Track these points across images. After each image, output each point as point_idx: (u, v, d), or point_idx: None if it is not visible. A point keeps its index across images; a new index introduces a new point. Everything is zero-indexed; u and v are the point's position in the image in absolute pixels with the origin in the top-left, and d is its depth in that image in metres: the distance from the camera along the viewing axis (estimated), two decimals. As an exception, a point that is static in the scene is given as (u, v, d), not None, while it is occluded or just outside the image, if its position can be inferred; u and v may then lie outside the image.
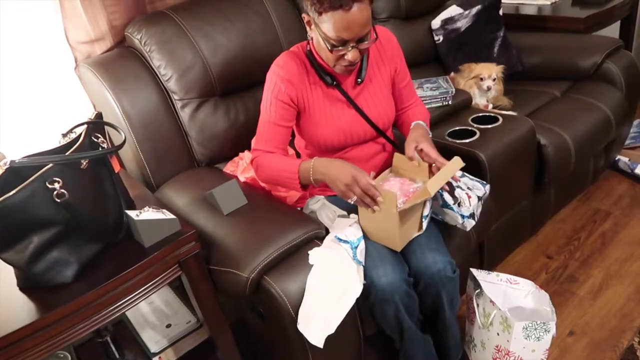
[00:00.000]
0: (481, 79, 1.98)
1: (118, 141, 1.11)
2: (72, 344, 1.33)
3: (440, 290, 1.30)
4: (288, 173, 1.28)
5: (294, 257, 1.19)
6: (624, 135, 2.34)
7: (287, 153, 1.40)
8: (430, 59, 2.30)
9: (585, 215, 2.18)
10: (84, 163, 1.02)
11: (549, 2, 2.69)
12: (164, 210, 1.14)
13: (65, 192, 0.95)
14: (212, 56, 1.58)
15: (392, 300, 1.22)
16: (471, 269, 1.50)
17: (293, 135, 1.49)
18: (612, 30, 2.68)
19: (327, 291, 1.15)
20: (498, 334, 1.38)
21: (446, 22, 2.24)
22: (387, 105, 1.42)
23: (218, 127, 1.61)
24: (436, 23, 2.25)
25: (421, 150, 1.27)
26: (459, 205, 1.33)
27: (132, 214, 1.09)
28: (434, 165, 1.26)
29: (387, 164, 1.42)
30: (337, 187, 1.20)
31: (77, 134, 1.09)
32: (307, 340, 1.14)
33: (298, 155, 1.55)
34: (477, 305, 1.45)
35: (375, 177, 1.27)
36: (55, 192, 0.94)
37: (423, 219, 1.31)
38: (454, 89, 1.86)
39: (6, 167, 0.94)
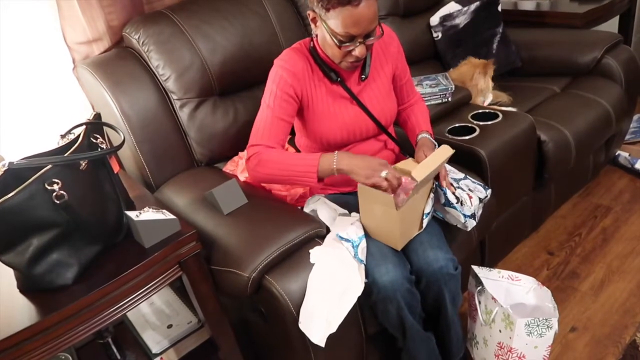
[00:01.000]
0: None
1: (117, 142, 1.10)
2: (73, 345, 1.32)
3: (442, 288, 1.30)
4: (304, 166, 1.24)
5: (295, 256, 1.19)
6: (624, 130, 2.33)
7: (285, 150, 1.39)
8: (429, 56, 2.30)
9: (586, 211, 2.17)
10: (83, 164, 1.02)
11: (547, -2, 2.68)
12: (164, 210, 1.14)
13: (65, 193, 0.95)
14: (211, 56, 1.57)
15: (394, 299, 1.22)
16: (472, 266, 1.49)
17: (292, 134, 1.49)
18: (611, 25, 2.67)
19: (328, 290, 1.15)
20: (500, 331, 1.37)
21: (445, 18, 2.24)
22: (389, 102, 1.42)
23: (217, 126, 1.61)
24: (435, 20, 2.24)
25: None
26: (461, 204, 1.33)
27: (132, 214, 1.09)
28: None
29: (391, 162, 1.42)
30: (366, 168, 1.20)
31: (76, 134, 1.08)
32: (309, 339, 1.14)
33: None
34: (479, 302, 1.45)
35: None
36: (54, 194, 0.94)
37: (424, 217, 1.30)
38: (453, 86, 1.86)
39: (5, 168, 0.93)
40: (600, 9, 2.43)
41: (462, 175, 1.46)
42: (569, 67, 2.19)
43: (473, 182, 1.44)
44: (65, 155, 0.99)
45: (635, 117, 2.48)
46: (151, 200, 1.31)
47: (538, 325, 1.31)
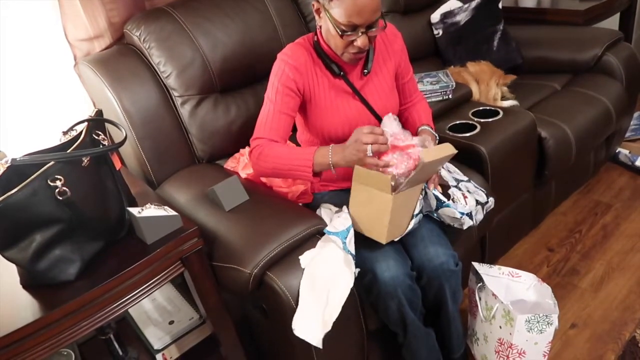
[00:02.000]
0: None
1: (118, 139, 1.10)
2: (75, 341, 1.33)
3: (443, 284, 1.31)
4: (301, 160, 1.25)
5: (296, 253, 1.19)
6: (624, 127, 2.33)
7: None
8: (429, 53, 2.30)
9: (586, 208, 2.18)
10: (85, 161, 1.02)
11: (548, -5, 2.68)
12: (166, 207, 1.14)
13: (67, 189, 0.95)
14: (212, 52, 1.58)
15: (395, 295, 1.22)
16: (473, 262, 1.50)
17: (294, 130, 1.49)
18: (612, 23, 2.67)
19: (320, 291, 1.14)
20: (500, 327, 1.38)
21: (445, 15, 2.24)
22: (392, 98, 1.42)
23: (218, 123, 1.61)
24: (435, 17, 2.24)
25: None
26: (453, 201, 1.32)
27: (134, 211, 1.09)
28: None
29: None
30: (353, 150, 1.20)
31: (78, 131, 1.08)
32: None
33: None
34: (479, 298, 1.46)
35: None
36: (57, 190, 0.94)
37: (412, 218, 1.29)
38: (454, 83, 1.86)
39: (7, 165, 0.93)
40: (600, 6, 2.44)
41: (466, 178, 1.46)
42: (569, 64, 2.19)
43: (475, 186, 1.44)
44: (68, 151, 0.99)
45: (635, 115, 2.48)
46: (153, 197, 1.31)
47: (538, 322, 1.31)
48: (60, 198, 0.95)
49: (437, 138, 1.41)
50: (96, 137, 1.09)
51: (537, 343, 1.35)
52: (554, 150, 1.79)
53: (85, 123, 1.09)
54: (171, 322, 1.43)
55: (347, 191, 1.41)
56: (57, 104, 1.54)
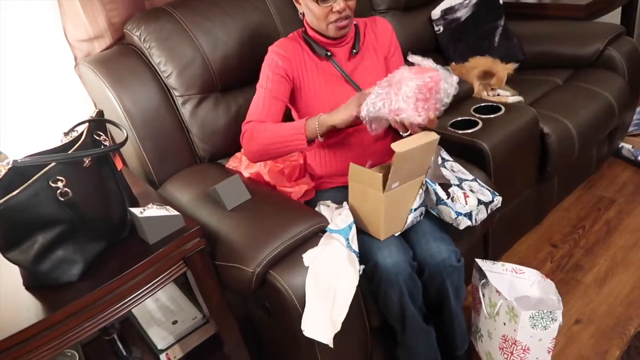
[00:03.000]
0: (492, 89, 1.99)
1: (119, 139, 1.10)
2: (79, 342, 1.33)
3: (445, 280, 1.30)
4: (292, 129, 1.27)
5: (299, 251, 1.19)
6: (627, 122, 2.32)
7: None
8: (430, 50, 2.29)
9: (590, 204, 2.17)
10: (87, 161, 1.02)
11: (549, -10, 2.67)
12: (168, 207, 1.14)
13: (69, 190, 0.95)
14: (212, 52, 1.57)
15: (396, 282, 1.22)
16: (476, 259, 1.49)
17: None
18: (614, 17, 2.66)
19: (326, 290, 1.14)
20: (504, 324, 1.37)
21: (446, 12, 2.23)
22: None
23: (219, 122, 1.61)
24: (436, 13, 2.23)
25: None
26: (452, 200, 1.32)
27: (135, 211, 1.09)
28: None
29: (387, 151, 1.41)
30: (351, 105, 1.21)
31: (79, 132, 1.08)
32: (315, 336, 1.14)
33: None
34: (483, 295, 1.45)
35: (371, 166, 1.26)
36: (58, 191, 0.94)
37: (410, 212, 1.29)
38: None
39: (9, 166, 0.93)
40: (602, 0, 2.42)
41: (471, 177, 1.45)
42: (571, 59, 2.19)
43: (481, 185, 1.43)
44: (69, 152, 0.99)
45: (638, 109, 2.47)
46: (155, 197, 1.31)
47: (542, 318, 1.31)
48: (62, 199, 0.95)
49: None
50: (97, 138, 1.09)
51: (542, 339, 1.34)
52: (556, 146, 1.78)
53: (86, 124, 1.09)
54: (174, 322, 1.43)
55: (345, 189, 1.41)
56: (58, 104, 1.53)
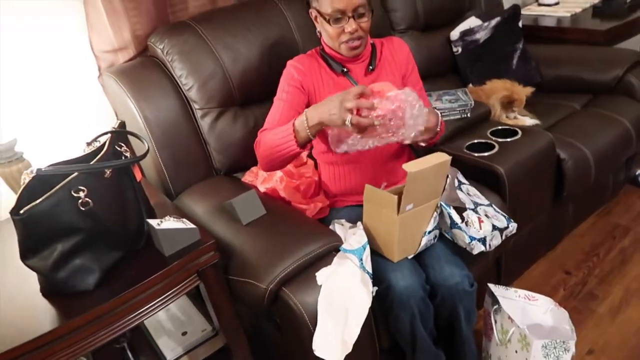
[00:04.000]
0: (513, 110, 2.00)
1: (139, 149, 1.12)
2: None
3: (457, 304, 1.29)
4: (284, 132, 1.26)
5: (312, 269, 1.19)
6: (644, 150, 2.30)
7: None
8: (448, 70, 2.30)
9: (604, 231, 2.14)
10: (108, 172, 1.03)
11: (568, 14, 2.67)
12: (184, 219, 1.15)
13: (90, 200, 0.97)
14: (233, 66, 1.59)
15: (408, 305, 1.22)
16: (489, 284, 1.48)
17: (311, 148, 1.51)
18: (634, 43, 2.65)
19: (338, 311, 1.14)
20: (516, 352, 1.36)
21: (465, 33, 2.24)
22: None
23: (237, 136, 1.62)
24: (455, 34, 2.24)
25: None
26: (466, 224, 1.31)
27: (153, 222, 1.10)
28: None
29: (402, 171, 1.41)
30: (332, 110, 1.16)
31: (101, 142, 1.10)
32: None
33: (316, 165, 1.56)
34: (495, 321, 1.44)
35: (386, 188, 1.27)
36: (80, 201, 0.96)
37: (424, 235, 1.29)
38: (472, 102, 1.85)
39: (33, 175, 0.95)
40: (622, 26, 2.42)
41: (487, 202, 1.44)
42: (589, 84, 2.18)
43: (496, 211, 1.43)
44: (91, 163, 1.01)
45: (656, 137, 2.44)
46: (171, 209, 1.32)
47: (555, 347, 1.29)
48: (83, 209, 0.96)
49: (439, 115, 1.37)
50: (119, 149, 1.11)
51: (553, 369, 1.33)
52: (572, 172, 1.77)
53: (109, 134, 1.11)
54: (184, 333, 1.43)
55: (360, 208, 1.41)
56: (81, 113, 1.56)
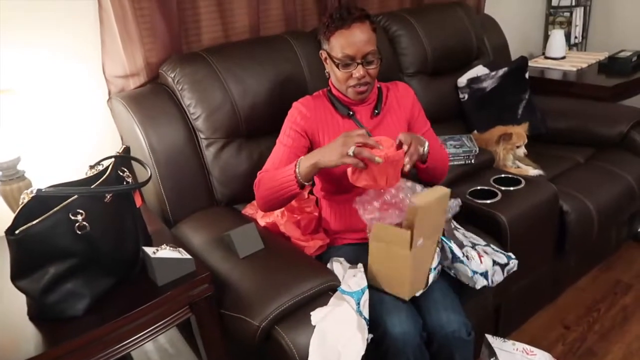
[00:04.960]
0: (517, 147, 2.00)
1: (142, 175, 1.12)
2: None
3: (454, 353, 1.26)
4: (286, 172, 1.28)
5: (307, 308, 1.15)
6: (647, 206, 2.29)
7: None
8: (454, 116, 2.32)
9: (606, 286, 2.11)
10: (108, 197, 1.03)
11: (574, 69, 2.72)
12: (181, 249, 1.14)
13: (87, 224, 0.96)
14: (241, 99, 1.61)
15: (404, 353, 1.18)
16: (486, 335, 1.45)
17: (313, 185, 1.50)
18: (638, 101, 2.68)
19: (329, 353, 1.10)
20: (512, 407, 1.31)
21: (472, 81, 2.27)
22: None
23: (241, 168, 1.62)
24: (462, 81, 2.28)
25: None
26: (467, 258, 1.30)
27: (149, 250, 1.09)
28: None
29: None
30: (333, 150, 1.20)
31: (104, 166, 1.10)
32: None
33: (317, 201, 1.56)
34: (491, 373, 1.40)
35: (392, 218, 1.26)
36: (77, 224, 0.95)
37: (430, 272, 1.27)
38: (477, 148, 1.86)
39: (32, 195, 0.95)
40: (628, 83, 2.46)
41: (483, 242, 1.44)
42: (594, 138, 2.19)
43: (495, 250, 1.42)
44: (92, 187, 1.00)
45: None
46: (168, 237, 1.31)
47: (552, 406, 1.25)
48: (80, 232, 0.95)
49: (426, 144, 1.37)
50: (121, 174, 1.11)
51: None
52: (575, 225, 1.76)
53: (112, 159, 1.11)
54: (171, 367, 1.39)
55: (363, 246, 1.39)
56: (87, 135, 1.57)
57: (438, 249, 1.28)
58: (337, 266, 1.32)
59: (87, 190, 0.98)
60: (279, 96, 1.67)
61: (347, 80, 1.37)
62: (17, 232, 0.90)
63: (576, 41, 3.20)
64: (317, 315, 1.14)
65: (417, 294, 1.28)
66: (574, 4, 3.12)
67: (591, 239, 1.86)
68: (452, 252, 1.29)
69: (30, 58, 1.44)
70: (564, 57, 2.90)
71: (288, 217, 1.46)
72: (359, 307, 1.17)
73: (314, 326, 1.12)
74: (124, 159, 1.15)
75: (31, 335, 0.97)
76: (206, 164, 1.60)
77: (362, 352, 1.13)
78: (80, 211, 0.95)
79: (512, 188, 1.70)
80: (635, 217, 2.20)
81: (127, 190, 1.09)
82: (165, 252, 1.10)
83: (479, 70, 2.29)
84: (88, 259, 0.99)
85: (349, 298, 1.18)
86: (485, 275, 1.32)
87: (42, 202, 0.95)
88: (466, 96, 2.28)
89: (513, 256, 1.42)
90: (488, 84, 2.27)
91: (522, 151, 2.02)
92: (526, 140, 2.03)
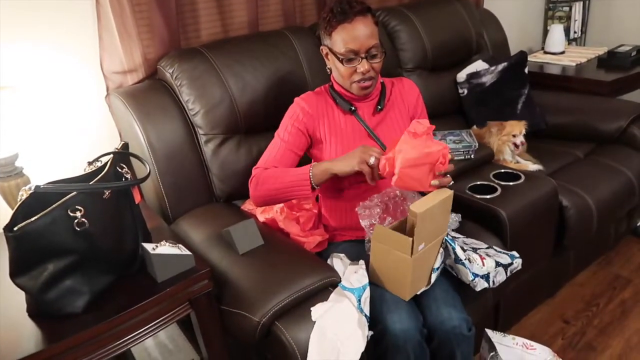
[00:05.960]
0: (513, 136, 1.99)
1: (141, 171, 1.11)
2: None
3: (454, 349, 1.26)
4: (298, 175, 1.29)
5: (307, 304, 1.15)
6: (646, 201, 2.29)
7: None
8: (453, 111, 2.31)
9: (605, 281, 2.11)
10: (107, 193, 1.02)
11: (573, 64, 2.71)
12: (180, 245, 1.13)
13: (86, 221, 0.95)
14: (240, 95, 1.60)
15: (404, 350, 1.18)
16: (486, 329, 1.45)
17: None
18: (637, 96, 2.68)
19: (329, 349, 1.10)
20: (512, 402, 1.32)
21: (472, 76, 2.26)
22: None
23: (240, 164, 1.62)
24: (461, 76, 2.27)
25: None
26: (469, 261, 1.30)
27: (148, 247, 1.08)
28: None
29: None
30: (351, 157, 1.24)
31: (103, 162, 1.09)
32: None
33: (317, 198, 1.55)
34: (491, 368, 1.40)
35: (391, 223, 1.25)
36: (76, 221, 0.94)
37: (433, 272, 1.27)
38: (477, 143, 1.86)
39: (31, 192, 0.94)
40: (627, 78, 2.45)
41: (485, 245, 1.43)
42: (593, 133, 2.19)
43: (497, 251, 1.41)
44: (91, 183, 1.00)
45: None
46: (167, 233, 1.31)
47: (552, 400, 1.25)
48: (78, 229, 0.95)
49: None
50: (120, 170, 1.10)
51: (550, 423, 1.28)
52: (575, 220, 1.75)
53: (111, 155, 1.11)
54: (171, 363, 1.39)
55: (363, 242, 1.39)
56: (86, 132, 1.57)
57: (442, 249, 1.28)
58: (338, 262, 1.32)
59: (86, 186, 0.97)
60: (278, 92, 1.66)
61: (351, 76, 1.35)
62: (15, 228, 0.90)
63: (575, 36, 3.20)
64: (317, 311, 1.14)
65: (418, 293, 1.28)
66: (573, -2, 3.12)
67: (590, 234, 1.86)
68: (455, 253, 1.29)
69: (28, 54, 1.44)
70: (563, 52, 2.90)
71: (287, 213, 1.46)
72: (359, 304, 1.17)
73: (314, 322, 1.12)
74: (123, 155, 1.14)
75: (31, 332, 0.97)
76: (205, 160, 1.60)
77: (362, 349, 1.13)
78: (79, 208, 0.95)
79: (511, 183, 1.69)
80: (635, 212, 2.20)
81: (126, 187, 1.09)
82: (165, 248, 1.09)
83: (479, 65, 2.28)
84: (87, 255, 0.98)
85: (350, 294, 1.18)
86: (486, 277, 1.31)
87: (40, 198, 0.94)
88: (465, 91, 2.28)
89: (517, 255, 1.41)
90: (487, 79, 2.26)
91: (519, 140, 2.00)
92: (523, 131, 2.02)
